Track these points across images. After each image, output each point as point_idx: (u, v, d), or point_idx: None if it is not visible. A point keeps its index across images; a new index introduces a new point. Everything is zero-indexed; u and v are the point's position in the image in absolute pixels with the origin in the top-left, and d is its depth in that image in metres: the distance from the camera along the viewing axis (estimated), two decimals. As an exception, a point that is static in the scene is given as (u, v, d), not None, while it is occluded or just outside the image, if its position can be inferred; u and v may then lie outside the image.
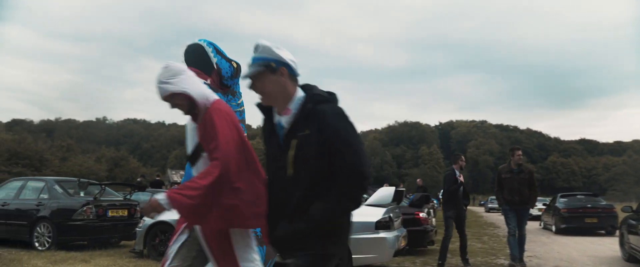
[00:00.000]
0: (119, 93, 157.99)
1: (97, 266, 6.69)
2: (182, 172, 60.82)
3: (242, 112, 3.20)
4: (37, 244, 8.44)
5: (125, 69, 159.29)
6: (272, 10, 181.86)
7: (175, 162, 77.68)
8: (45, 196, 8.92)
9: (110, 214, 8.78)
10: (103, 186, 9.49)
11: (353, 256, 5.99)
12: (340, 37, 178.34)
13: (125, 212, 9.10)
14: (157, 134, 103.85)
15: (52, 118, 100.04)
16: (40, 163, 32.58)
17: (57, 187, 9.04)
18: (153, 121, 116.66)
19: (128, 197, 10.13)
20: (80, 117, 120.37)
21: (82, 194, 9.09)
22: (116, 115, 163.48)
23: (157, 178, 16.19)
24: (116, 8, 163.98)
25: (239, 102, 3.22)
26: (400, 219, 7.10)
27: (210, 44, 3.07)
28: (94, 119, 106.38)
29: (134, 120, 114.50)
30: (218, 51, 3.07)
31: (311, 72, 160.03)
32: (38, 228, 8.55)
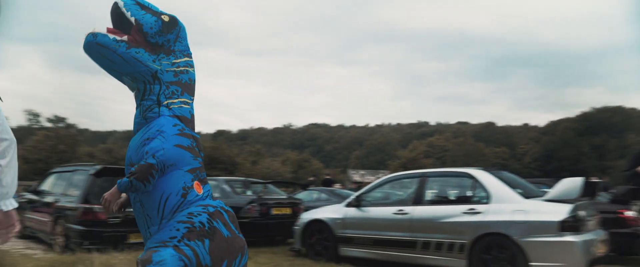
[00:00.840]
0: (302, 100, 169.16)
1: (256, 263, 6.66)
2: (362, 172, 62.27)
3: (180, 73, 2.68)
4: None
5: (307, 77, 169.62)
6: (444, 2, 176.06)
7: (356, 162, 79.75)
8: (217, 195, 9.43)
9: (274, 212, 8.87)
10: (265, 185, 9.70)
11: (531, 264, 4.86)
12: (520, 21, 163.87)
13: (289, 210, 9.12)
14: (338, 136, 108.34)
15: (247, 127, 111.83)
16: (233, 166, 36.46)
17: (225, 186, 9.48)
18: (334, 124, 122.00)
19: (292, 195, 10.23)
20: (270, 125, 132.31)
21: (248, 193, 9.38)
22: (300, 121, 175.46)
23: (327, 177, 16.39)
24: (295, 22, 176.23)
25: (176, 61, 2.68)
26: (597, 219, 5.64)
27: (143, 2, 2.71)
28: (281, 126, 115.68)
29: (316, 125, 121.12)
30: (143, 6, 2.66)
31: (491, 63, 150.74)
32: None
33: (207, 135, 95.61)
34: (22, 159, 37.15)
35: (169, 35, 2.68)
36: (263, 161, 46.56)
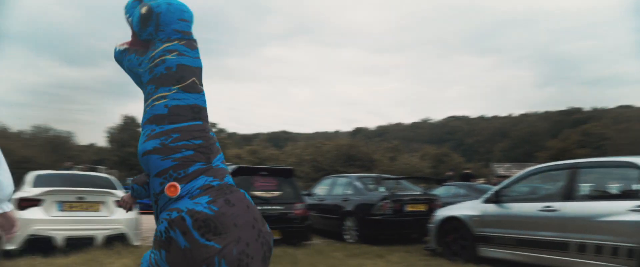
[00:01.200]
0: (439, 93, 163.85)
1: (389, 262, 6.41)
2: (508, 165, 58.28)
3: (155, 67, 2.41)
4: (347, 237, 8.86)
5: (443, 69, 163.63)
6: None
7: (501, 155, 75.17)
8: (350, 192, 9.34)
9: (407, 208, 8.52)
10: (398, 180, 9.37)
11: None
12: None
13: (424, 207, 8.69)
14: (479, 128, 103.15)
15: (385, 123, 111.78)
16: (371, 163, 36.51)
17: (358, 183, 9.35)
18: (474, 116, 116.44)
19: (428, 191, 9.76)
20: (408, 120, 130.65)
21: (381, 189, 9.13)
22: (438, 114, 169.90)
23: (466, 171, 15.45)
24: (426, 13, 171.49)
25: (153, 55, 2.44)
26: None
27: None
28: (419, 120, 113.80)
29: (455, 117, 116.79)
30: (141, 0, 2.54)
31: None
32: (346, 222, 8.99)
33: (346, 133, 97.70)
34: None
35: (148, 28, 2.47)
36: (401, 157, 45.98)
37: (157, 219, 2.38)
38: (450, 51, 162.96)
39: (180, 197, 2.25)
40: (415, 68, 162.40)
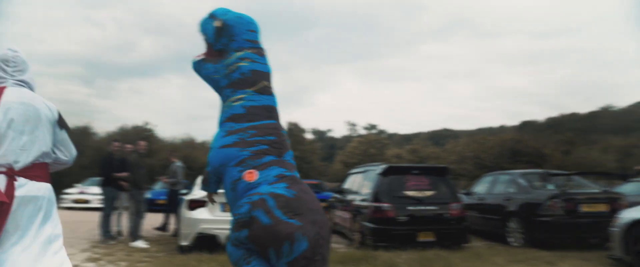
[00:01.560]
0: (624, 76, 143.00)
1: (558, 272, 5.63)
2: None
3: (230, 72, 2.76)
4: (511, 240, 8.08)
5: (627, 47, 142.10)
6: None
7: None
8: (513, 190, 8.52)
9: (583, 209, 7.44)
10: (570, 176, 8.24)
11: None
12: None
13: (605, 207, 7.51)
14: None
15: (556, 114, 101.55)
16: (540, 158, 33.26)
17: (521, 180, 8.48)
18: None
19: (610, 188, 8.44)
20: (584, 109, 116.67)
21: (550, 187, 8.14)
22: (623, 100, 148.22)
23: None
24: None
25: (227, 62, 2.81)
26: None
27: (211, 13, 2.93)
28: (598, 109, 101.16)
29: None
30: (213, 16, 2.90)
31: None
32: (510, 223, 8.20)
33: (512, 128, 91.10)
34: (342, 164, 42.75)
35: (222, 39, 2.83)
36: (577, 150, 41.26)
37: (232, 205, 2.63)
38: (635, 25, 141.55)
39: (258, 184, 2.51)
40: (591, 50, 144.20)
